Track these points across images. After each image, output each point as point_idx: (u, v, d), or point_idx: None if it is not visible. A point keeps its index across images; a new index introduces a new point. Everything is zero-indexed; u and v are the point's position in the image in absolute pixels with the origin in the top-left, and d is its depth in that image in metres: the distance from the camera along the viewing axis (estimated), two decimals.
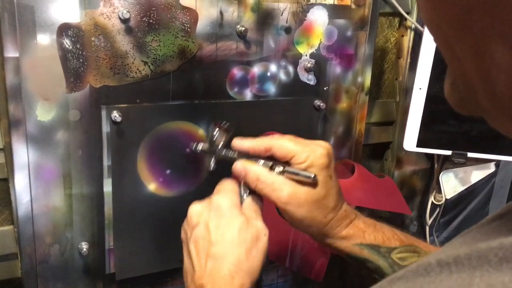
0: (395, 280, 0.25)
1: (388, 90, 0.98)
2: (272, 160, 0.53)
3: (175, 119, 0.69)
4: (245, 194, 0.54)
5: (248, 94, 0.74)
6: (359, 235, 0.56)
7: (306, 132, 0.80)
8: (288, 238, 0.83)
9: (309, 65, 0.76)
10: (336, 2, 0.76)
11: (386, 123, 0.98)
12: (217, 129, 0.56)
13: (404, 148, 0.89)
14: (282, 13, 0.72)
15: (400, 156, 0.99)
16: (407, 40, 0.93)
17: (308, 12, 0.74)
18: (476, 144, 0.89)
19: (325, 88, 0.80)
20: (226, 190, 0.53)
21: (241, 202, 0.53)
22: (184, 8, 0.65)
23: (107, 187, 0.67)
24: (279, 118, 0.77)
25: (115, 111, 0.64)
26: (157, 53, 0.65)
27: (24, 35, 0.57)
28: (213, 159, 0.58)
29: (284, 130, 0.76)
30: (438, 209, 1.04)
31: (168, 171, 0.71)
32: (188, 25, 0.66)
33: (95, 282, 0.71)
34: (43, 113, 0.61)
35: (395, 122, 0.98)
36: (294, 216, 0.53)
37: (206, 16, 0.67)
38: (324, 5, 0.75)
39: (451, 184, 1.04)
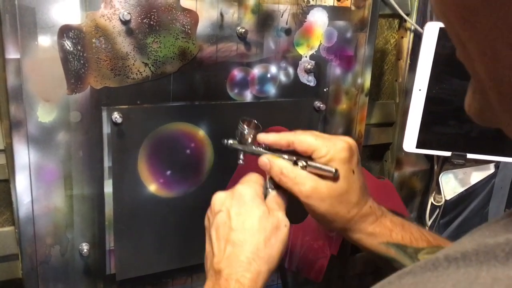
0: (404, 275, 0.25)
1: (387, 92, 0.98)
2: (297, 155, 0.54)
3: (176, 120, 0.69)
4: (270, 189, 0.55)
5: (248, 96, 0.74)
6: (385, 233, 0.56)
7: None
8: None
9: (309, 66, 0.76)
10: (336, 4, 0.76)
11: (385, 124, 0.98)
12: (246, 125, 0.58)
13: (403, 149, 0.89)
14: (282, 14, 0.72)
15: (399, 157, 0.99)
16: (407, 41, 0.93)
17: (308, 13, 0.74)
18: (475, 145, 0.89)
19: (325, 90, 0.80)
20: (250, 181, 0.55)
21: (266, 195, 0.55)
22: (185, 9, 0.65)
23: (108, 188, 0.68)
24: (279, 119, 0.77)
25: (115, 112, 0.64)
26: (157, 54, 0.65)
27: (25, 36, 0.57)
28: (241, 153, 0.59)
29: None
30: (437, 210, 1.04)
31: (168, 172, 0.71)
32: (188, 27, 0.66)
33: (95, 283, 0.71)
34: (44, 115, 0.61)
35: (394, 123, 0.98)
36: (317, 210, 0.53)
37: (206, 17, 0.67)
38: (324, 7, 0.75)
39: (450, 185, 1.04)
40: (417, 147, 0.88)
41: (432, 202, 1.03)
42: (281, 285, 0.88)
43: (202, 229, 0.76)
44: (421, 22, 0.90)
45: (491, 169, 1.08)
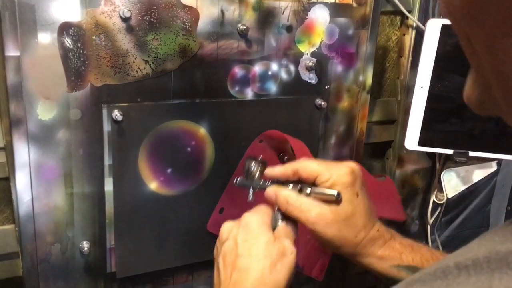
0: (412, 283, 0.25)
1: (389, 89, 0.98)
2: (302, 183, 0.55)
3: (176, 118, 0.69)
4: (279, 220, 0.55)
5: (249, 93, 0.74)
6: (395, 256, 0.57)
7: (307, 131, 0.80)
8: None
9: (310, 63, 0.76)
10: (337, 1, 0.75)
11: (387, 122, 0.98)
12: (253, 162, 0.60)
13: (405, 147, 0.88)
14: (283, 11, 0.72)
15: (401, 155, 0.99)
16: (409, 38, 0.92)
17: (309, 10, 0.74)
18: (477, 143, 0.88)
19: (326, 87, 0.80)
20: (258, 210, 0.55)
21: (275, 227, 0.54)
22: (185, 6, 0.65)
23: (108, 186, 0.67)
24: (280, 117, 0.77)
25: (116, 110, 0.64)
26: (158, 52, 0.65)
27: (25, 34, 0.57)
28: (251, 190, 0.61)
29: (285, 129, 0.76)
30: (439, 208, 1.04)
31: (169, 170, 0.71)
32: (189, 24, 0.66)
33: (96, 281, 0.71)
34: (44, 112, 0.61)
35: (396, 121, 0.97)
36: (324, 236, 0.54)
37: (207, 14, 0.67)
38: (326, 4, 0.75)
39: (452, 183, 1.04)
40: (419, 145, 0.87)
41: (434, 200, 1.03)
42: None
43: (203, 227, 0.76)
44: (423, 19, 0.90)
45: (493, 167, 1.07)
